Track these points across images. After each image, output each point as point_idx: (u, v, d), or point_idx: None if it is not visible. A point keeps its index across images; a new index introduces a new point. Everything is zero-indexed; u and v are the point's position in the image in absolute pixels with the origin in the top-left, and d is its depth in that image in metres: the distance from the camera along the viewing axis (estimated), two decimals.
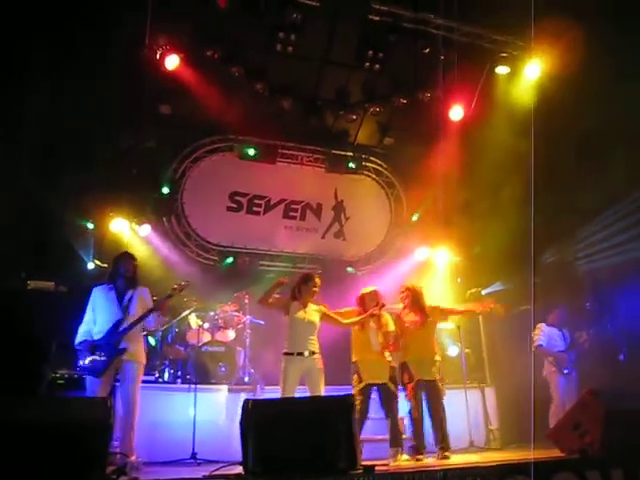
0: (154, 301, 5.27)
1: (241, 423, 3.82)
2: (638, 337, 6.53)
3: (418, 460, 5.25)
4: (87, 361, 4.87)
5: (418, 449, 5.43)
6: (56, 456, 3.16)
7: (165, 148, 8.58)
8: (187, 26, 7.53)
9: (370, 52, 8.03)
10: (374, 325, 5.69)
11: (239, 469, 3.83)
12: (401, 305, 6.09)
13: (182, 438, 5.95)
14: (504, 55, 8.30)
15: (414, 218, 9.70)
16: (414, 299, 5.96)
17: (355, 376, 5.61)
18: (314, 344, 5.46)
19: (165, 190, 8.66)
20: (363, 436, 5.53)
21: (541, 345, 6.63)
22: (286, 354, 5.42)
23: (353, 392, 5.48)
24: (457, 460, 5.32)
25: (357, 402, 5.16)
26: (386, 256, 9.74)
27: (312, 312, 5.55)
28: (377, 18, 7.73)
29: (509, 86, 8.49)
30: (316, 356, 5.44)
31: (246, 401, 3.95)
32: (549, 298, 7.96)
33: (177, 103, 8.07)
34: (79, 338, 4.99)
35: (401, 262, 9.39)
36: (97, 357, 4.87)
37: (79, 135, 7.54)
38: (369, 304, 5.69)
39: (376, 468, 3.81)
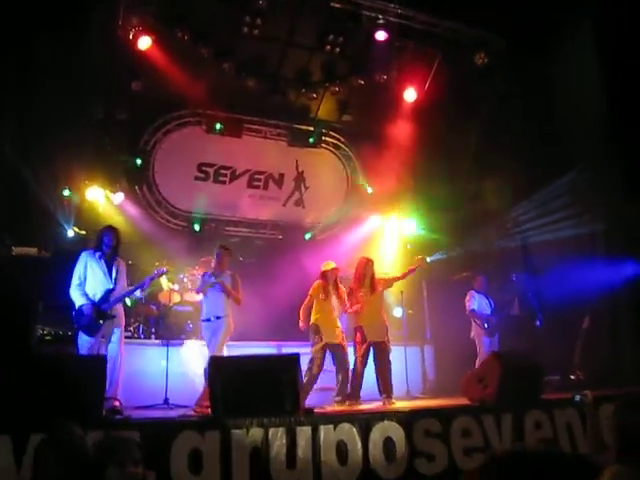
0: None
1: (208, 375, 4.68)
2: (554, 307, 7.57)
3: (351, 405, 6.23)
4: (86, 320, 5.54)
5: (355, 398, 6.42)
6: (65, 400, 4.00)
7: (137, 121, 9.16)
8: (158, 8, 8.01)
9: (331, 36, 8.64)
10: (335, 295, 6.68)
11: (207, 411, 4.72)
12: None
13: (156, 386, 6.82)
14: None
15: (369, 189, 10.50)
16: (366, 273, 6.83)
17: (317, 337, 6.51)
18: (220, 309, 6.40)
19: (137, 160, 9.27)
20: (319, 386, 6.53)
21: (474, 309, 7.63)
22: (202, 321, 6.47)
23: (313, 350, 6.44)
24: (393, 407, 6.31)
25: (317, 358, 6.17)
26: (341, 223, 10.55)
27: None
28: (338, 5, 8.34)
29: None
30: (220, 320, 6.38)
31: (212, 357, 4.83)
32: (487, 267, 8.99)
33: (149, 80, 8.51)
34: (82, 299, 5.56)
35: (356, 229, 10.27)
36: (95, 318, 5.56)
37: (55, 104, 8.00)
38: (330, 278, 6.68)
39: (315, 411, 4.75)
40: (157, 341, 7.51)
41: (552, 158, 8.32)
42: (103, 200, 8.74)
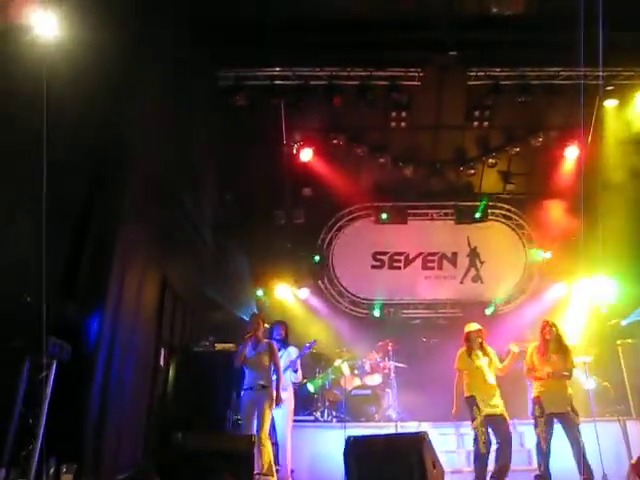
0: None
1: (344, 454, 5.00)
2: None
3: None
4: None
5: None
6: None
7: (313, 222, 10.27)
8: (314, 123, 9.16)
9: (477, 112, 8.85)
10: (484, 361, 6.12)
11: None
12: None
13: (337, 467, 7.23)
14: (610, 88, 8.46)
15: (547, 255, 10.01)
16: (548, 336, 6.10)
17: (474, 409, 6.00)
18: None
19: (317, 258, 10.34)
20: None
21: None
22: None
23: (473, 425, 5.95)
24: None
25: (480, 433, 5.84)
26: (524, 294, 10.18)
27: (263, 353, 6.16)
28: (476, 82, 8.57)
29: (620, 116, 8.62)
30: (265, 390, 5.99)
31: (348, 437, 5.14)
32: None
33: (317, 184, 9.66)
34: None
35: (539, 299, 9.80)
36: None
37: (245, 217, 9.51)
38: (474, 341, 6.20)
39: None
40: (338, 424, 7.96)
41: None
42: (290, 296, 9.83)
